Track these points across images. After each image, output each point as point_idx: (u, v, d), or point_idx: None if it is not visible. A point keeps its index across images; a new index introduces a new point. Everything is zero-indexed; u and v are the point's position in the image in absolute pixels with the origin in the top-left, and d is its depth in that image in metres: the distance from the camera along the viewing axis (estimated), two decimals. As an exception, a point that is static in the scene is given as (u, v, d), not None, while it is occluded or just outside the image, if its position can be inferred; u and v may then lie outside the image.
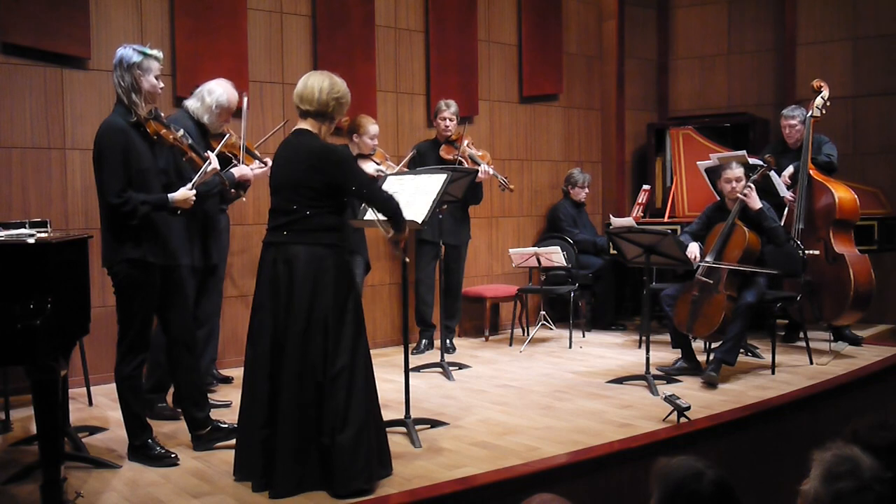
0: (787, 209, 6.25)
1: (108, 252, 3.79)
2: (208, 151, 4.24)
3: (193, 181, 3.95)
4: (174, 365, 4.00)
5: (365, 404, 3.44)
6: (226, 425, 4.05)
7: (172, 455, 3.79)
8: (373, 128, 5.79)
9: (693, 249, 5.42)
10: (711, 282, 5.33)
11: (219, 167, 4.16)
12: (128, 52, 3.74)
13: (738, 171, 5.53)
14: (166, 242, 3.87)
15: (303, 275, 3.43)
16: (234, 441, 3.71)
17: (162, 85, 3.90)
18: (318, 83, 3.54)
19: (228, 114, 4.80)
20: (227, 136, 4.59)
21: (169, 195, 3.82)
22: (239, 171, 4.77)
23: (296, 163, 3.49)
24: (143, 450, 3.79)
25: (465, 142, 6.33)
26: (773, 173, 6.16)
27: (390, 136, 6.64)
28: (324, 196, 3.48)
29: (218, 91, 4.74)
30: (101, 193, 3.74)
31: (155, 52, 3.81)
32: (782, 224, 5.96)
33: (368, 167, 5.64)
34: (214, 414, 4.58)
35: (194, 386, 4.01)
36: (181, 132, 4.00)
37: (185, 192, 3.86)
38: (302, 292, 3.42)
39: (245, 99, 4.87)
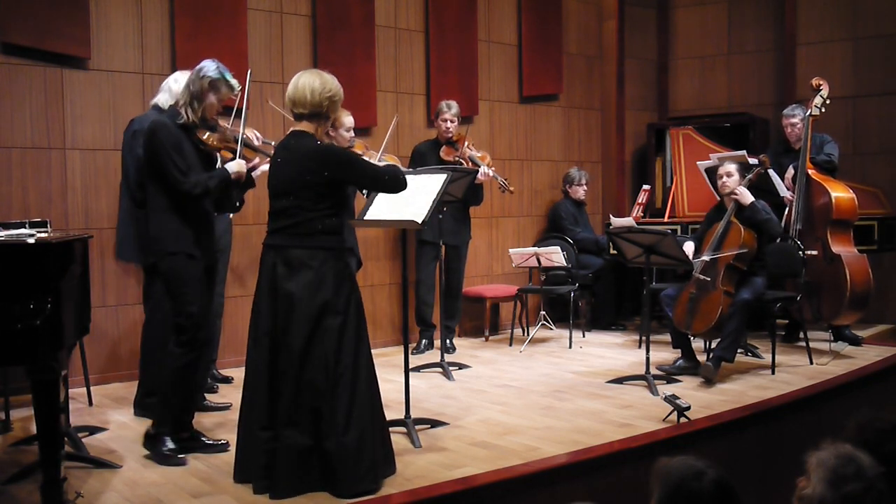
0: (787, 209, 6.25)
1: (152, 247, 3.87)
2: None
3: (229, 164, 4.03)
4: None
5: (368, 406, 3.45)
6: (209, 441, 3.99)
7: (180, 457, 3.78)
8: (347, 119, 5.45)
9: (687, 248, 5.43)
10: (708, 279, 5.33)
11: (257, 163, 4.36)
12: (211, 66, 3.86)
13: (728, 167, 5.56)
14: (209, 236, 3.93)
15: (304, 277, 3.42)
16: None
17: (220, 110, 4.01)
18: (308, 84, 3.52)
19: None
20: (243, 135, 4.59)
21: (227, 165, 3.89)
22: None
23: (295, 165, 3.48)
24: (156, 441, 3.79)
25: (466, 143, 6.32)
26: (772, 173, 6.17)
27: (390, 136, 6.61)
28: (324, 197, 3.47)
29: (184, 80, 4.65)
30: (170, 185, 3.79)
31: (234, 81, 3.92)
32: (782, 224, 5.96)
33: None
34: (213, 415, 4.61)
35: None
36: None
37: (239, 161, 3.94)
38: (303, 295, 3.41)
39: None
